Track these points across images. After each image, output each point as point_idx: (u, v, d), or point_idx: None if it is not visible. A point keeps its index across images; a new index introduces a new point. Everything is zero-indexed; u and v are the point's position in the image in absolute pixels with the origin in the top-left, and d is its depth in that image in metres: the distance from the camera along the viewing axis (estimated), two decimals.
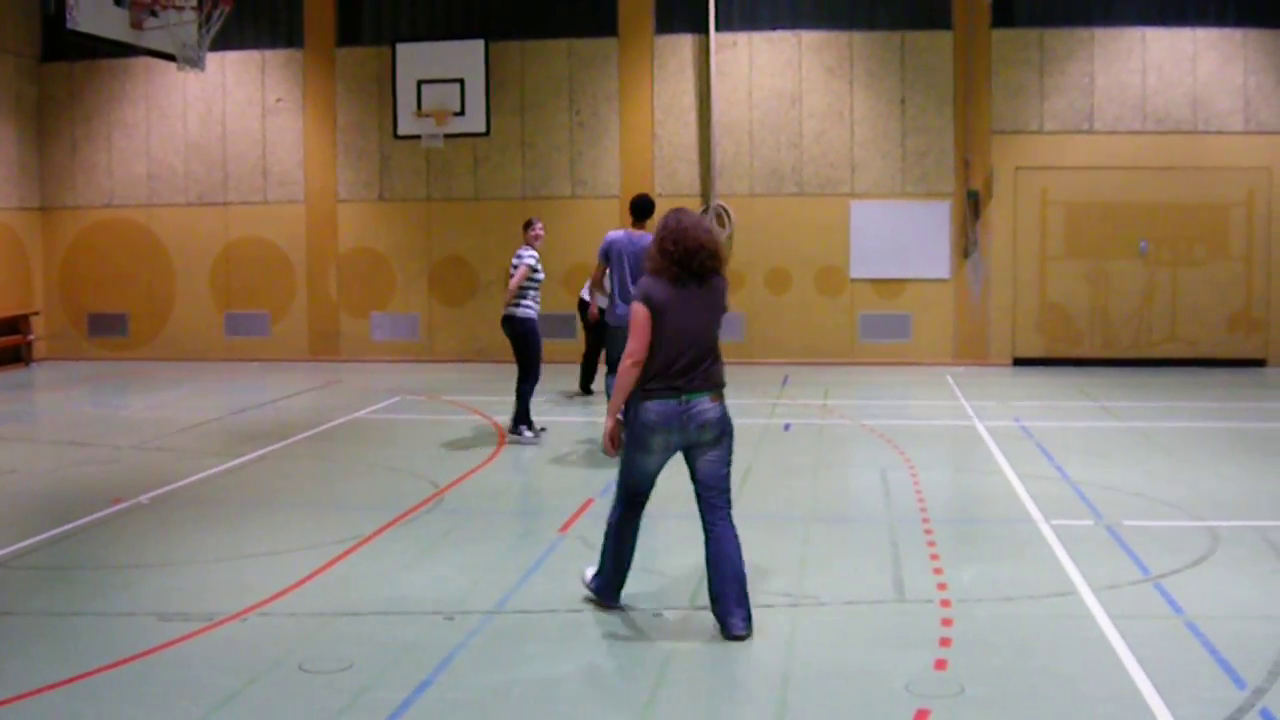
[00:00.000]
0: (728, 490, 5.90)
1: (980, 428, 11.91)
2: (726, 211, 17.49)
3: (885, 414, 12.85)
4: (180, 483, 9.51)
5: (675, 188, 17.52)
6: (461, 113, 17.34)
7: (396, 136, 17.78)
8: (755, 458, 10.47)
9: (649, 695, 5.13)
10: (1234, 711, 4.83)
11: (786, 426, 12.08)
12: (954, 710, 4.93)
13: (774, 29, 17.54)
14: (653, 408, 5.75)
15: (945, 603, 6.30)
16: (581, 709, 5.05)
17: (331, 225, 18.49)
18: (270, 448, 11.06)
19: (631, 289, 10.66)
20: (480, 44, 17.39)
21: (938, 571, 6.89)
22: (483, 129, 17.48)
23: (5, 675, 5.33)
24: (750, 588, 5.88)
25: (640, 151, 17.79)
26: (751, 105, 17.58)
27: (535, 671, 5.42)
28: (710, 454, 5.82)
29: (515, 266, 11.18)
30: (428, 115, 17.36)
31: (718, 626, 5.80)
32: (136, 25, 13.63)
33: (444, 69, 17.37)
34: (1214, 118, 16.82)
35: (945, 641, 5.71)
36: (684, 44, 17.72)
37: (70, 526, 8.09)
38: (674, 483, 9.93)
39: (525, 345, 11.20)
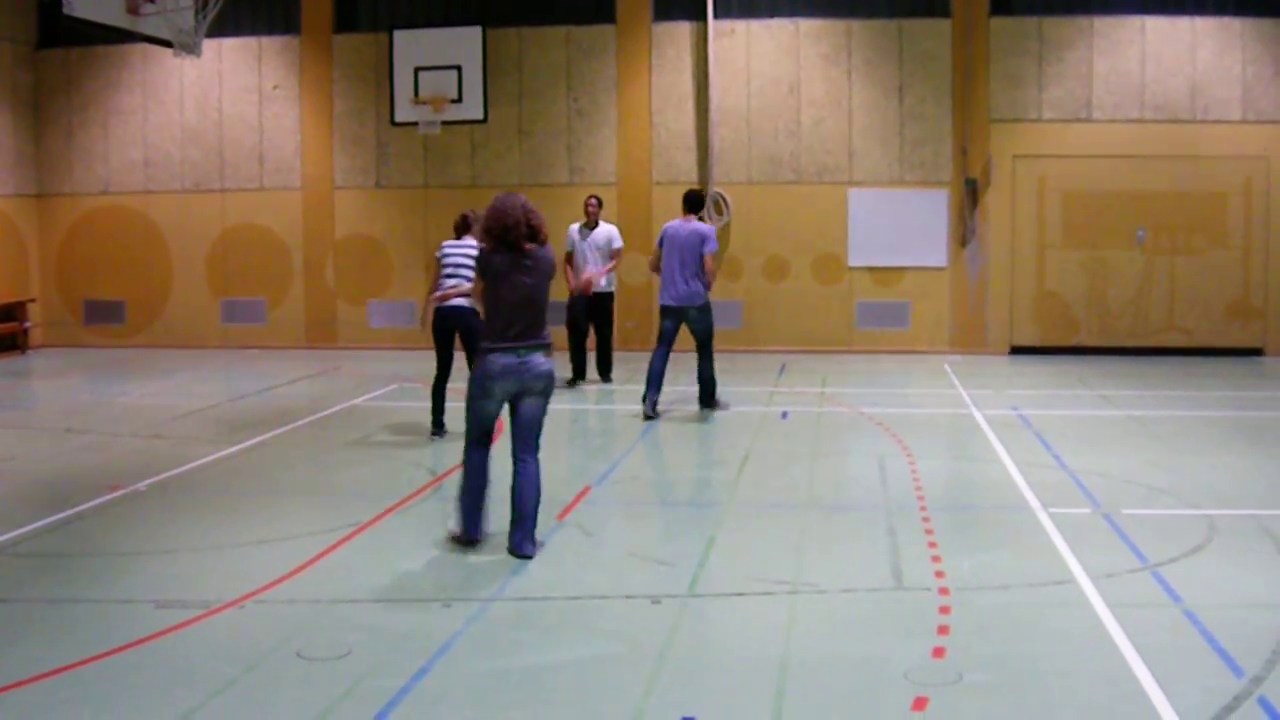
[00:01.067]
0: (540, 432, 7.03)
1: (978, 416, 11.91)
2: (724, 199, 17.46)
3: (883, 402, 12.84)
4: (177, 470, 9.50)
5: (673, 175, 17.48)
6: (459, 100, 17.28)
7: (394, 123, 17.73)
8: (753, 445, 10.45)
9: (647, 682, 5.13)
10: (1231, 700, 4.84)
11: (784, 414, 12.07)
12: (952, 698, 4.94)
13: (772, 17, 17.49)
14: (496, 360, 6.81)
15: (943, 591, 6.31)
16: (579, 696, 5.05)
17: (328, 212, 18.45)
18: (268, 435, 11.05)
19: (674, 270, 11.62)
20: (478, 31, 17.33)
21: (936, 560, 6.89)
22: (480, 116, 17.43)
23: (2, 663, 5.33)
24: (748, 575, 6.52)
25: (638, 139, 17.75)
26: (749, 93, 17.55)
27: (533, 659, 5.42)
28: (535, 400, 6.94)
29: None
30: (425, 102, 17.30)
31: (508, 546, 6.92)
32: (133, 11, 13.56)
33: (441, 56, 17.30)
34: (1212, 106, 16.80)
35: (943, 629, 5.71)
36: (682, 31, 17.67)
37: (67, 513, 8.08)
38: (671, 473, 9.98)
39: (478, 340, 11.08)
